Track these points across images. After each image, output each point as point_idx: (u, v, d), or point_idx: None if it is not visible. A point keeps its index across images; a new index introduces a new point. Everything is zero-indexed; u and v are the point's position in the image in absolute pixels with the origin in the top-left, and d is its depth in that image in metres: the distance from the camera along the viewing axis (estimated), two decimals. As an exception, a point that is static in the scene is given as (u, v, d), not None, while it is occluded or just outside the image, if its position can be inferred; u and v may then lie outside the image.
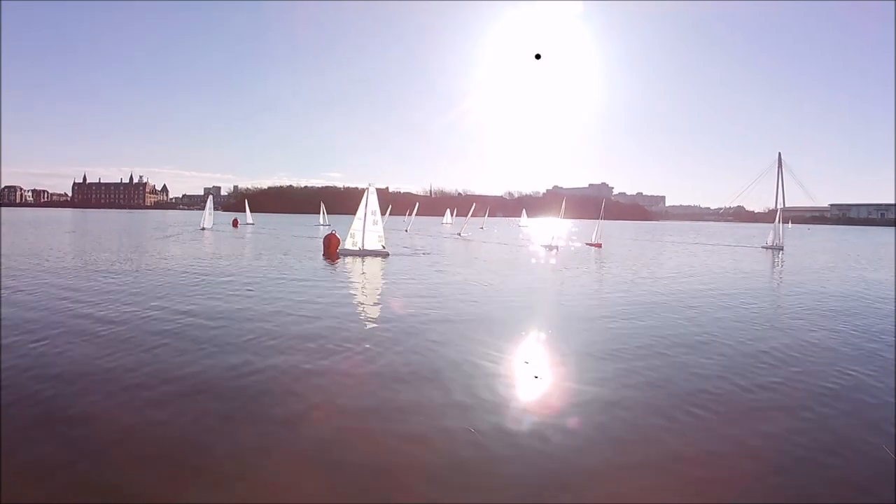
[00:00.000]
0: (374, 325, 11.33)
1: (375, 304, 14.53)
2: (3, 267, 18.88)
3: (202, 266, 21.04)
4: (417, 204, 65.41)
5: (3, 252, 24.28)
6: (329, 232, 29.12)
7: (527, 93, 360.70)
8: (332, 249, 26.83)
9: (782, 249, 39.56)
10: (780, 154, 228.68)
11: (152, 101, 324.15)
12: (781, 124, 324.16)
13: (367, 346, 9.33)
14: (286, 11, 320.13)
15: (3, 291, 13.75)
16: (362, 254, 25.58)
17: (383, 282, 18.92)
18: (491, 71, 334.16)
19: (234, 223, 65.54)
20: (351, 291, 16.64)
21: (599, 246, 37.92)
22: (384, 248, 26.02)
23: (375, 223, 26.06)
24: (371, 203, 25.84)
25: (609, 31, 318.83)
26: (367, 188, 26.47)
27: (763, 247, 42.38)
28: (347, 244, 26.21)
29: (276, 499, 4.57)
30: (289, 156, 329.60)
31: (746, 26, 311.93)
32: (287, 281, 17.29)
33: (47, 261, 21.45)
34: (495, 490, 4.80)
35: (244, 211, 75.33)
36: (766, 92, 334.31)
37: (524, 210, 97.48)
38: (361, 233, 25.83)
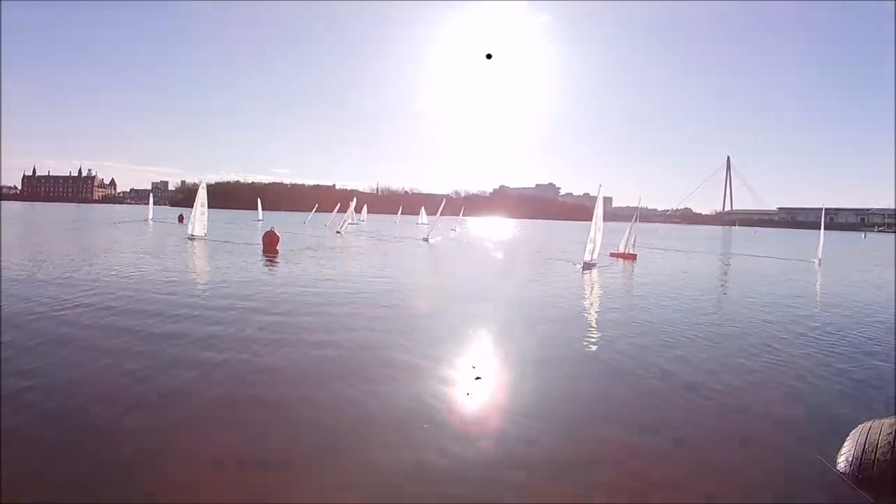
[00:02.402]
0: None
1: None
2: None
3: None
4: (355, 201, 65.33)
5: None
6: (269, 229, 29.60)
7: (476, 92, 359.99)
8: (272, 245, 27.45)
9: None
10: (728, 157, 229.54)
11: (105, 92, 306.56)
12: (729, 128, 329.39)
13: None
14: (235, 8, 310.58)
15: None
16: (193, 238, 32.00)
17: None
18: (441, 70, 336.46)
19: (180, 218, 65.21)
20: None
21: (634, 258, 29.77)
22: (205, 235, 32.90)
23: (203, 213, 33.53)
24: (201, 196, 33.10)
25: (557, 32, 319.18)
26: (200, 183, 33.75)
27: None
28: (189, 230, 33.22)
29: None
30: (236, 151, 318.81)
31: (695, 28, 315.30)
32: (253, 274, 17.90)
33: None
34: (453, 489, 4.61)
35: (189, 206, 73.60)
36: (714, 95, 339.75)
37: (422, 207, 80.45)
38: (194, 222, 33.28)
